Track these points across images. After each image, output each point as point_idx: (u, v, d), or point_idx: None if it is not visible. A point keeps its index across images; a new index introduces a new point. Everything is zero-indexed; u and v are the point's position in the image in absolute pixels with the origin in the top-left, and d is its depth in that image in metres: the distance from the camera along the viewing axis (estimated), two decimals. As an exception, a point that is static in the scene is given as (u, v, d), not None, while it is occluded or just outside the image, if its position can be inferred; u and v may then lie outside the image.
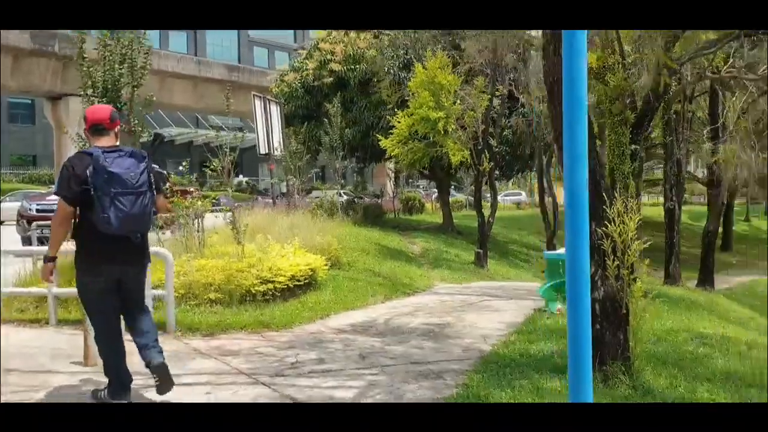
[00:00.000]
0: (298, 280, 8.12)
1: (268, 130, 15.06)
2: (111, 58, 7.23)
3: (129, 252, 4.10)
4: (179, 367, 5.02)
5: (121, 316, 4.27)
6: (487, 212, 15.64)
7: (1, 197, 28.78)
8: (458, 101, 13.11)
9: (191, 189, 19.15)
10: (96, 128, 4.16)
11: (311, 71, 20.36)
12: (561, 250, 8.36)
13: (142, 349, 4.16)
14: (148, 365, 4.13)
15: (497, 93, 13.92)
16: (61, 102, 37.86)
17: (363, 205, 23.18)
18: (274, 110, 15.74)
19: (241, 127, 60.74)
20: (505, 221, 33.97)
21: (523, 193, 58.21)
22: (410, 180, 46.63)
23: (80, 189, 3.88)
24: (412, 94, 13.77)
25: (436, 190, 45.30)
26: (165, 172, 16.00)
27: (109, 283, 4.08)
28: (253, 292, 7.47)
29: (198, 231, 8.83)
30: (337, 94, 18.54)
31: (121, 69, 7.31)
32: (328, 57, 19.92)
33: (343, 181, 18.46)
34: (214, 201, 14.66)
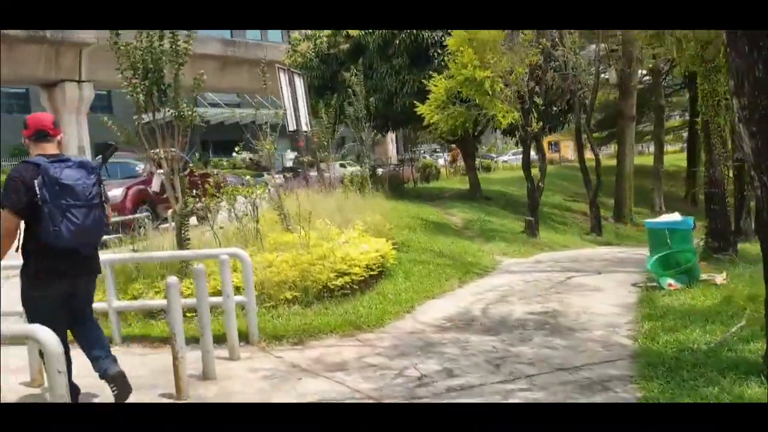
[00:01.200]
0: (371, 269, 7.32)
1: (295, 104, 14.11)
2: (150, 34, 6.30)
3: (79, 265, 3.93)
4: (291, 394, 4.24)
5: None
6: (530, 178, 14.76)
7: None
8: (500, 57, 12.13)
9: (212, 172, 18.32)
10: (40, 134, 3.96)
11: (326, 39, 19.30)
12: (663, 218, 7.55)
13: (95, 360, 4.02)
14: (103, 376, 3.98)
15: (540, 46, 12.94)
16: (57, 89, 36.76)
17: (384, 175, 22.32)
18: (299, 83, 14.76)
19: (238, 102, 59.81)
20: (520, 181, 33.19)
21: (533, 151, 57.28)
22: (412, 146, 45.62)
23: (29, 200, 3.65)
24: (449, 53, 12.82)
25: (442, 154, 44.66)
26: (184, 156, 15.09)
27: (58, 296, 3.87)
28: (331, 287, 6.67)
29: (254, 221, 7.99)
30: (355, 61, 17.54)
31: (161, 45, 6.39)
32: (344, 22, 18.82)
33: (369, 152, 17.53)
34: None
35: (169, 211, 10.00)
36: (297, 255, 7.05)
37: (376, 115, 18.82)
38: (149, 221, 8.96)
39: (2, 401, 3.76)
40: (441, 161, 40.52)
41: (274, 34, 64.72)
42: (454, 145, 39.06)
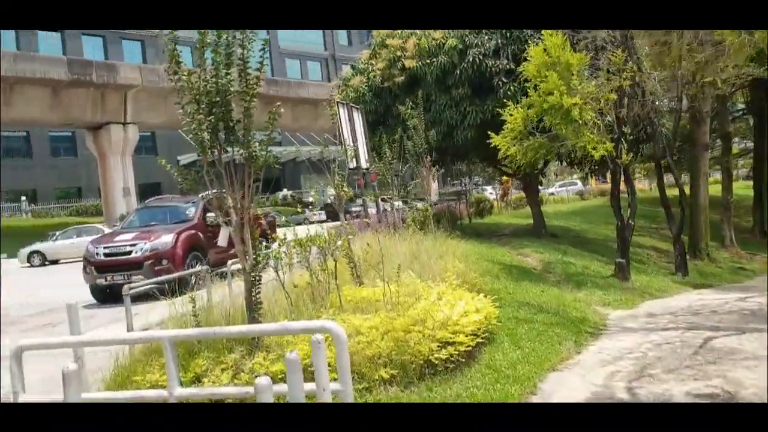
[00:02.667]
0: (477, 336, 6.06)
1: (354, 140, 13.10)
2: (218, 59, 5.27)
3: None
4: None
5: None
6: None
7: (55, 234, 27.45)
8: (587, 83, 10.90)
9: (264, 213, 17.32)
10: None
11: (379, 72, 18.36)
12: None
13: None
14: None
15: (630, 71, 11.67)
16: (102, 131, 36.79)
17: (440, 211, 21.10)
18: (357, 118, 13.79)
19: (280, 140, 59.70)
20: (577, 214, 31.61)
21: (579, 182, 55.74)
22: (452, 179, 44.27)
23: None
24: (525, 81, 11.67)
25: (487, 188, 43.11)
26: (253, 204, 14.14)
27: None
28: (433, 360, 5.43)
29: (328, 273, 6.82)
30: (411, 94, 16.53)
31: (229, 74, 5.35)
32: (398, 54, 17.90)
33: (429, 188, 16.40)
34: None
35: (229, 263, 8.95)
36: (387, 319, 5.85)
37: (436, 149, 17.74)
38: (209, 276, 7.84)
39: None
40: (489, 195, 39.15)
41: (314, 73, 65.02)
42: (505, 178, 37.91)
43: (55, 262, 25.65)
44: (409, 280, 7.06)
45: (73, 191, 51.45)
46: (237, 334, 4.65)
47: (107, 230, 22.55)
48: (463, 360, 5.64)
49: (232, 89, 5.35)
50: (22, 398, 4.34)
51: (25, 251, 26.14)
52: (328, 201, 38.10)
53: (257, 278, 5.43)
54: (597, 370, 5.88)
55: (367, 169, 14.00)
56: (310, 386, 4.07)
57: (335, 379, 4.06)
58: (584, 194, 49.84)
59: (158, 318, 6.98)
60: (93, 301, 12.12)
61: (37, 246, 26.39)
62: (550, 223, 22.97)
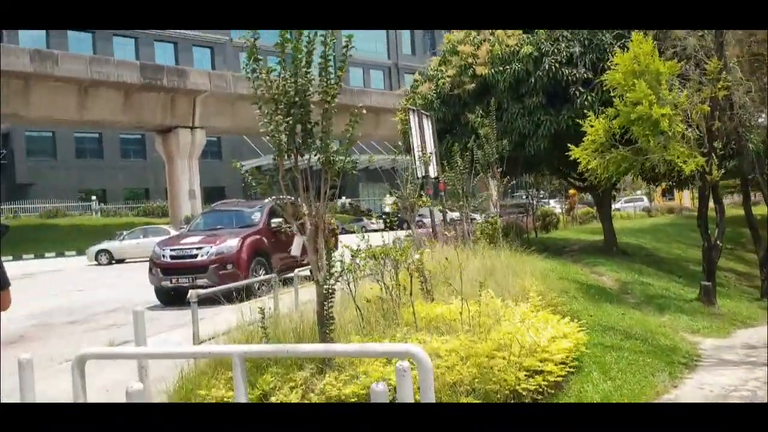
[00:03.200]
0: (566, 365, 5.53)
1: (424, 148, 12.70)
2: (299, 56, 4.94)
3: None
4: None
5: None
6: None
7: (122, 233, 28.04)
8: (677, 92, 10.17)
9: (334, 223, 17.10)
10: None
11: (449, 79, 17.91)
12: None
13: None
14: None
15: (722, 80, 10.86)
16: (171, 134, 37.55)
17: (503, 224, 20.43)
18: (427, 126, 13.39)
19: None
20: (646, 232, 30.30)
21: (645, 198, 53.89)
22: (512, 192, 43.17)
23: None
24: (604, 90, 11.02)
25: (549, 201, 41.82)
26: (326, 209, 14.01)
27: None
28: (520, 391, 4.94)
29: (401, 288, 6.41)
30: (481, 102, 16.03)
31: (309, 72, 5.02)
32: (469, 61, 17.43)
33: (498, 200, 15.83)
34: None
35: (296, 270, 8.67)
36: (467, 342, 5.39)
37: (506, 159, 17.17)
38: (276, 284, 7.56)
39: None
40: (554, 208, 38.05)
41: (377, 82, 65.02)
42: (572, 191, 36.79)
43: (121, 261, 26.16)
44: (488, 298, 6.58)
45: (141, 192, 52.85)
46: (313, 354, 4.28)
47: (173, 232, 22.84)
48: (552, 391, 5.13)
49: (311, 89, 5.02)
50: None
51: (93, 249, 26.77)
52: (387, 209, 37.89)
53: (330, 291, 5.07)
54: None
55: (436, 178, 13.57)
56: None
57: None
58: (651, 211, 48.13)
59: (224, 325, 6.71)
60: (157, 302, 12.06)
61: (105, 245, 27.01)
62: (620, 240, 22.00)
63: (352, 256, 6.02)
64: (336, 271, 5.12)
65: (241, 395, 4.15)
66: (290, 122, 4.86)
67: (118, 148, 52.05)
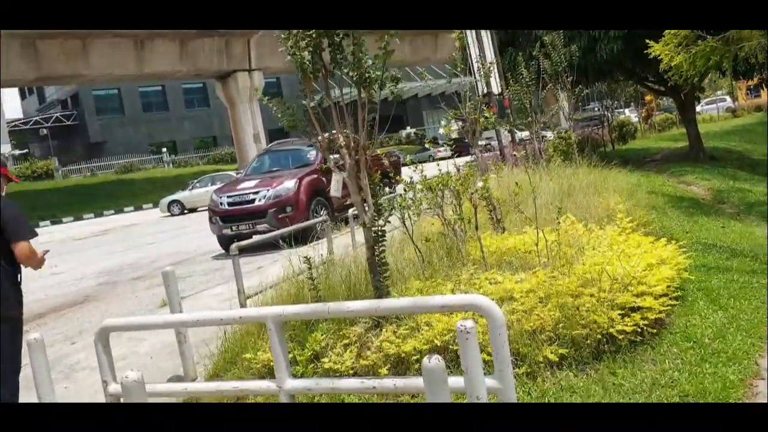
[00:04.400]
0: (666, 294, 4.65)
1: (484, 63, 11.58)
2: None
3: None
4: None
5: None
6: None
7: (192, 183, 28.21)
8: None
9: (386, 152, 16.27)
10: None
11: (507, -15, 16.37)
12: None
13: None
14: None
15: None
16: (230, 79, 37.20)
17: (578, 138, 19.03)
18: (486, 40, 12.20)
19: (399, 76, 58.21)
20: (733, 134, 28.02)
21: (728, 98, 50.20)
22: (584, 103, 40.81)
23: None
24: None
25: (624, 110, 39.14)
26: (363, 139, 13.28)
27: None
28: (615, 334, 4.13)
29: (467, 222, 5.61)
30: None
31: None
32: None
33: (571, 113, 14.51)
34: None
35: (351, 210, 8.02)
36: (547, 279, 4.58)
37: (576, 68, 15.75)
38: (329, 228, 6.91)
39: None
40: (631, 117, 35.74)
41: None
42: (648, 97, 34.42)
43: (193, 210, 26.37)
44: (567, 224, 5.71)
45: (209, 140, 53.44)
46: (357, 313, 3.59)
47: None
48: (653, 330, 4.29)
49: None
50: (112, 390, 3.60)
51: (165, 201, 27.10)
52: (454, 135, 36.54)
53: (380, 234, 4.35)
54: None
55: (500, 94, 12.48)
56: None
57: (490, 372, 2.92)
58: (736, 111, 44.86)
59: (275, 275, 6.16)
60: (222, 251, 11.77)
61: (176, 195, 27.27)
62: (706, 144, 20.26)
63: (405, 189, 5.24)
64: (385, 210, 4.37)
65: (282, 368, 3.55)
66: (313, 35, 4.03)
67: (181, 98, 52.48)
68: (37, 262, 4.09)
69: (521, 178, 8.24)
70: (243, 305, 5.43)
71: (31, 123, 52.65)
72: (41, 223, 39.98)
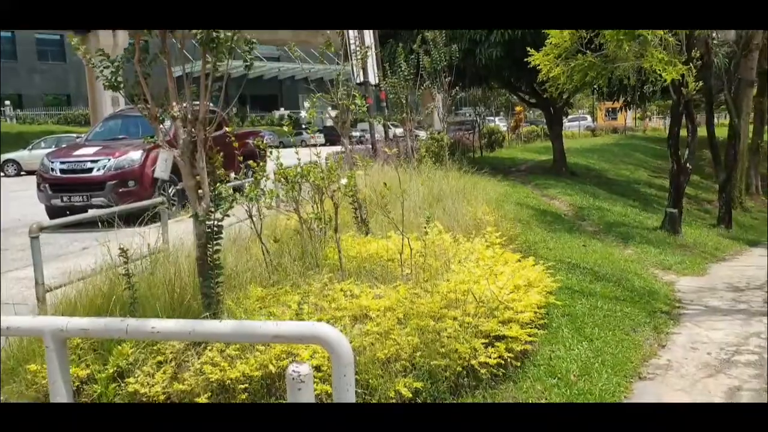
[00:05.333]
0: (533, 325, 4.23)
1: (362, 52, 10.96)
2: None
3: None
4: None
5: None
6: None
7: (34, 143, 25.36)
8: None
9: (252, 131, 15.26)
10: None
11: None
12: None
13: None
14: None
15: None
16: (90, 35, 34.01)
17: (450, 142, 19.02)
18: (367, 30, 11.58)
19: (278, 56, 56.59)
20: (592, 152, 29.63)
21: (589, 117, 53.55)
22: (456, 108, 41.69)
23: None
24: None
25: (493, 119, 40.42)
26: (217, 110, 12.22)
27: None
28: (476, 366, 3.61)
29: (325, 224, 4.92)
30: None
31: None
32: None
33: (445, 114, 14.25)
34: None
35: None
36: (407, 295, 4.01)
37: (454, 69, 15.58)
38: (164, 212, 5.96)
39: None
40: (500, 125, 36.82)
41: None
42: (518, 108, 35.59)
43: (32, 173, 23.71)
44: (434, 233, 5.19)
45: (62, 98, 49.02)
46: (164, 335, 2.77)
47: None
48: (517, 363, 3.84)
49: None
50: None
51: (-1, 159, 24.21)
52: (328, 123, 35.70)
53: (215, 229, 3.56)
54: (702, 379, 4.10)
55: (376, 85, 11.93)
56: None
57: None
58: (596, 130, 47.84)
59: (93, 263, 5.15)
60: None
61: (13, 154, 24.44)
62: (568, 160, 21.04)
63: (256, 178, 4.46)
64: (225, 201, 3.58)
65: (60, 390, 2.71)
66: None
67: (34, 48, 47.64)
68: None
69: (391, 177, 7.73)
70: (41, 299, 4.41)
71: None
72: None
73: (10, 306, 5.34)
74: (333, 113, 6.53)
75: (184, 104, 3.48)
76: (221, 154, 3.74)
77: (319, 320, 3.75)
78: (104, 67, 3.43)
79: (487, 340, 3.73)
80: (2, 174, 23.54)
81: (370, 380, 3.35)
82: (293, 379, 2.17)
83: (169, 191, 10.34)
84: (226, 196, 3.59)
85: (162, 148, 3.49)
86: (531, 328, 4.06)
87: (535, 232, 8.17)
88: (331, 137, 22.50)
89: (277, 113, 54.80)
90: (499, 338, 3.81)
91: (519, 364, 3.86)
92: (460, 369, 3.55)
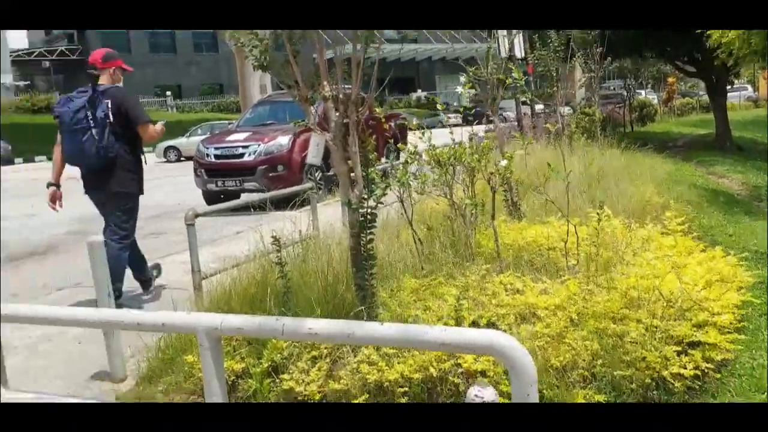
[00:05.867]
0: (731, 328, 3.61)
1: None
2: None
3: (89, 182, 4.88)
4: None
5: None
6: None
7: (192, 129, 27.05)
8: None
9: (393, 114, 15.07)
10: (90, 68, 4.83)
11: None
12: None
13: None
14: None
15: None
16: (239, 25, 35.61)
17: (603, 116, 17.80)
18: None
19: (415, 38, 56.35)
20: (755, 124, 26.69)
21: (749, 87, 48.66)
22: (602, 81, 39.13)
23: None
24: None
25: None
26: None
27: (96, 203, 5.00)
28: (668, 378, 3.10)
29: (478, 207, 4.55)
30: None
31: None
32: None
33: (597, 87, 13.28)
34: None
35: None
36: (579, 291, 3.56)
37: (606, 40, 14.48)
38: (314, 198, 5.86)
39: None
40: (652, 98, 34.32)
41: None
42: (671, 79, 32.98)
43: (190, 158, 25.32)
44: (606, 220, 4.63)
45: (216, 87, 52.04)
46: (321, 338, 2.52)
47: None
48: (717, 375, 3.27)
49: None
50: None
51: (161, 146, 26.04)
52: (466, 103, 34.93)
53: (370, 218, 3.31)
54: None
55: (523, 58, 11.29)
56: None
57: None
58: (758, 101, 43.48)
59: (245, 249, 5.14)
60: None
61: (174, 141, 26.19)
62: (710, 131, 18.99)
63: (406, 161, 4.17)
64: (378, 187, 3.32)
65: (215, 390, 2.59)
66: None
67: (190, 42, 50.91)
68: (159, 136, 5.18)
69: (545, 156, 7.19)
70: (197, 287, 4.42)
71: (35, 54, 51.22)
72: (37, 158, 39.03)
73: (168, 291, 5.51)
74: (471, 92, 6.12)
75: (335, 86, 3.24)
76: (373, 137, 3.48)
77: (480, 318, 3.41)
78: (253, 47, 3.25)
79: (679, 348, 3.19)
80: (165, 159, 25.30)
81: (545, 390, 2.96)
82: (475, 399, 1.85)
83: (316, 175, 10.42)
84: (380, 182, 3.33)
85: (314, 132, 3.27)
86: (729, 332, 3.45)
87: (709, 215, 7.28)
88: (468, 117, 21.82)
89: (414, 95, 54.80)
90: (694, 344, 3.26)
91: (719, 376, 3.29)
92: (649, 380, 3.06)
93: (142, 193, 5.15)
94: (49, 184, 4.91)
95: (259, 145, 10.31)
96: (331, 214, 6.46)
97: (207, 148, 10.84)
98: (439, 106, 6.22)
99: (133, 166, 4.90)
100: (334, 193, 9.09)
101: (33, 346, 4.28)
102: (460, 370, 3.00)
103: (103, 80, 4.83)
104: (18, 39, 57.80)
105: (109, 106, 4.64)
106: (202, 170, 10.75)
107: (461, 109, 5.74)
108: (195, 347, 3.61)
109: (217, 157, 10.60)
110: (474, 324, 3.32)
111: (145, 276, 5.42)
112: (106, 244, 3.95)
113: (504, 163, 4.35)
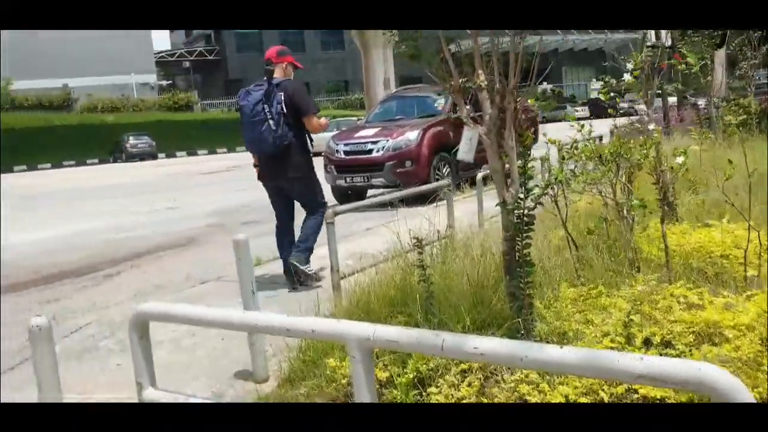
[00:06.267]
0: None
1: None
2: None
3: (272, 169, 5.31)
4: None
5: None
6: None
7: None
8: None
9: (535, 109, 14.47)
10: (268, 63, 5.27)
11: None
12: None
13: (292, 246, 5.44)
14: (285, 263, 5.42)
15: None
16: (366, 23, 35.99)
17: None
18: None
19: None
20: None
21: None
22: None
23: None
24: None
25: None
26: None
27: (272, 190, 5.50)
28: None
29: (637, 206, 4.09)
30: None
31: None
32: None
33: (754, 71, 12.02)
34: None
35: (480, 174, 6.66)
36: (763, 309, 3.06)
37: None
38: (450, 195, 5.62)
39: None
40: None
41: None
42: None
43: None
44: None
45: (341, 84, 53.17)
46: (489, 358, 2.25)
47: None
48: None
49: None
50: (147, 396, 2.67)
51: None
52: (594, 95, 33.25)
53: (527, 221, 3.00)
54: None
55: (670, 46, 10.41)
56: None
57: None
58: None
59: (379, 247, 5.01)
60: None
61: (302, 138, 26.87)
62: None
63: (562, 158, 3.81)
64: (537, 188, 3.01)
65: (363, 392, 2.40)
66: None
67: (318, 40, 52.28)
68: (324, 128, 5.48)
69: (694, 151, 6.50)
70: (335, 287, 4.30)
71: (176, 55, 54.69)
72: (178, 153, 41.64)
73: (308, 289, 5.45)
74: (597, 85, 5.56)
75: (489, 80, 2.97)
76: (531, 130, 3.17)
77: (653, 335, 3.02)
78: (404, 39, 3.05)
79: None
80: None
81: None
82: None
83: (443, 171, 10.19)
84: (545, 184, 3.02)
85: (466, 126, 3.01)
86: None
87: None
88: (597, 110, 20.50)
89: (539, 87, 53.23)
90: None
91: None
92: None
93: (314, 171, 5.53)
94: (255, 165, 5.48)
95: (387, 140, 10.22)
96: (461, 211, 6.20)
97: (337, 144, 10.90)
98: (570, 105, 5.75)
99: (305, 152, 5.32)
100: (462, 189, 8.81)
101: (177, 341, 4.34)
102: (635, 396, 2.64)
103: (277, 74, 5.22)
104: (161, 40, 61.99)
105: (283, 98, 5.05)
106: (332, 166, 10.82)
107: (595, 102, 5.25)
108: (337, 350, 3.49)
109: (346, 153, 10.62)
110: (647, 343, 2.93)
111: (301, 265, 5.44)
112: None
113: (680, 159, 3.87)
